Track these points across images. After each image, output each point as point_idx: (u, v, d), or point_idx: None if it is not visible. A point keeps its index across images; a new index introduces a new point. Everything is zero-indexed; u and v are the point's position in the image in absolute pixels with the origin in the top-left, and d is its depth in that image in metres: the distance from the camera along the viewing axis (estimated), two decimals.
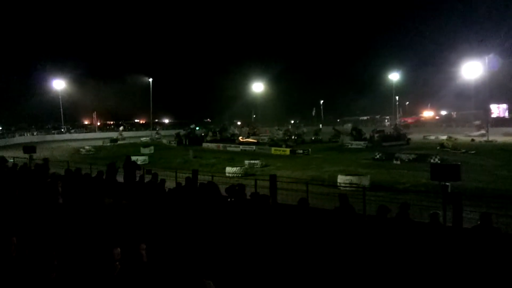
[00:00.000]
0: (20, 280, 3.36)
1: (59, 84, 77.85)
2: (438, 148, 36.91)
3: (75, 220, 6.59)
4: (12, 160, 19.47)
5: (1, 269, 3.63)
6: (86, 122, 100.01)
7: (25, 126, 78.63)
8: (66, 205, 9.80)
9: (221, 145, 49.01)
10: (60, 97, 77.23)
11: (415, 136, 51.71)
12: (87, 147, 45.32)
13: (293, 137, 52.47)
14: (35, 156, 19.95)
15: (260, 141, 52.51)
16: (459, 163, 13.21)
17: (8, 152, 31.36)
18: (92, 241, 4.67)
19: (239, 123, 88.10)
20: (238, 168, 24.96)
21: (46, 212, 8.07)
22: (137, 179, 12.01)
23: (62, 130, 76.53)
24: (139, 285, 3.52)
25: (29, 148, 19.63)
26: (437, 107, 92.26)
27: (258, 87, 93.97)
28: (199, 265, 5.54)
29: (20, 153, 22.45)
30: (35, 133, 71.50)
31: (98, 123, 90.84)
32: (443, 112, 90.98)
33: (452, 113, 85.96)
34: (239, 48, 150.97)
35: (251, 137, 57.39)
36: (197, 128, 68.88)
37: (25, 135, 68.45)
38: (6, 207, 8.31)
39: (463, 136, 48.09)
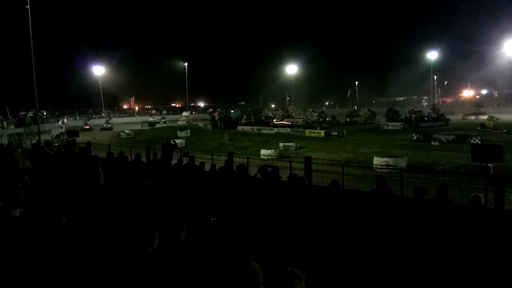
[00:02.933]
0: (67, 259, 3.49)
1: (98, 70, 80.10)
2: (478, 128, 35.63)
3: (116, 202, 6.86)
4: (57, 144, 20.36)
5: (52, 248, 3.79)
6: (125, 107, 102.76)
7: (67, 111, 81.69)
8: (107, 186, 10.21)
9: (255, 127, 49.22)
10: (100, 82, 79.51)
11: (454, 117, 50.04)
12: (126, 131, 46.61)
13: (327, 119, 51.99)
14: (78, 140, 20.73)
15: (295, 123, 52.40)
16: (501, 144, 12.72)
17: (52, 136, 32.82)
18: (133, 222, 4.81)
19: (273, 105, 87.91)
20: (272, 150, 25.04)
21: (88, 194, 8.44)
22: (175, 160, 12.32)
23: (103, 114, 78.94)
24: (177, 263, 3.59)
25: (72, 133, 20.41)
26: (477, 86, 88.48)
27: (292, 69, 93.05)
28: (243, 246, 5.69)
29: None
30: (77, 118, 74.21)
31: (136, 108, 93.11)
32: (484, 91, 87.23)
33: (494, 92, 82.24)
34: (272, 31, 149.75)
35: (286, 119, 57.34)
36: (232, 111, 69.38)
37: (68, 120, 71.22)
38: (53, 188, 8.77)
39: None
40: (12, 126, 39.36)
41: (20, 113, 57.53)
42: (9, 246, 3.90)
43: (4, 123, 40.06)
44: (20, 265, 3.52)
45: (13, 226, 4.58)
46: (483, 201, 6.30)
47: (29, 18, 26.80)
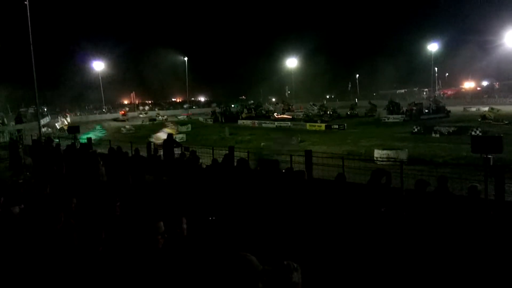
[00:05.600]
0: (69, 253, 3.52)
1: (98, 65, 79.95)
2: (479, 120, 35.59)
3: (118, 196, 6.88)
4: (57, 140, 20.38)
5: (50, 242, 3.82)
6: (125, 102, 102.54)
7: (68, 106, 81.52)
8: (109, 181, 10.25)
9: (256, 121, 49.19)
10: (100, 77, 79.40)
11: (455, 108, 50.02)
12: (127, 126, 46.64)
13: (328, 112, 51.90)
14: (79, 136, 20.70)
15: (295, 117, 52.35)
16: (501, 135, 12.70)
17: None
18: (135, 216, 4.83)
19: (273, 99, 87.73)
20: None
21: (90, 189, 8.48)
22: (176, 156, 12.33)
23: (104, 110, 78.91)
24: (181, 258, 3.62)
25: (73, 128, 20.30)
26: (478, 78, 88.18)
27: (292, 62, 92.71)
28: (238, 239, 5.72)
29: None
30: (78, 114, 74.15)
31: (137, 102, 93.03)
32: (485, 83, 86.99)
33: (495, 83, 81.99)
34: (272, 24, 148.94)
35: (286, 113, 57.25)
36: (233, 106, 69.30)
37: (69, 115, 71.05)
38: (55, 184, 8.80)
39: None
40: (13, 123, 39.34)
41: (21, 110, 57.44)
42: (9, 243, 3.93)
43: (5, 119, 40.02)
44: (20, 261, 3.54)
45: (13, 223, 4.60)
46: (478, 189, 6.33)
47: (28, 14, 26.73)
